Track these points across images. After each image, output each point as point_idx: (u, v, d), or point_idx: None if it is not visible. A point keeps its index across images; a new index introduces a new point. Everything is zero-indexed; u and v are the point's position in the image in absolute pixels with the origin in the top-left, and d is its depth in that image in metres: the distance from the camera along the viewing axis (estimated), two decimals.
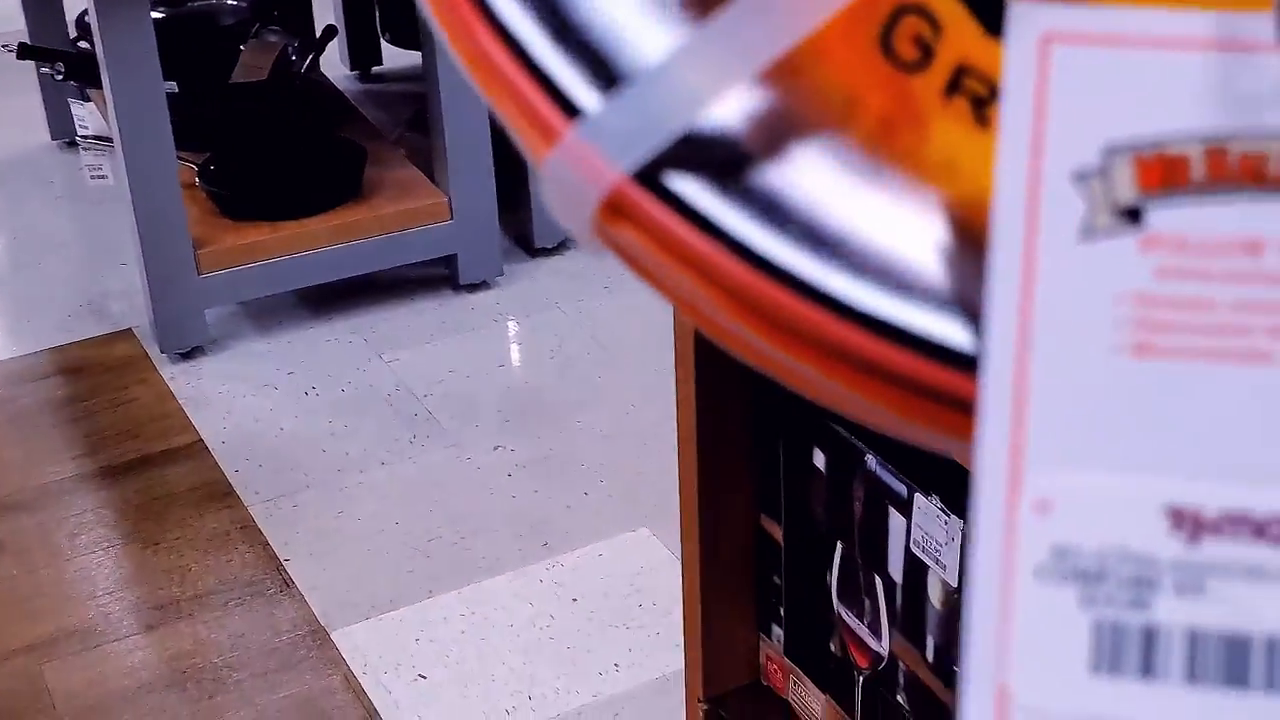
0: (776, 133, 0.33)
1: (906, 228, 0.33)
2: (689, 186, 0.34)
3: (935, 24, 0.33)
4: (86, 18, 2.26)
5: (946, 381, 0.32)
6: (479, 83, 0.36)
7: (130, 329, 2.44)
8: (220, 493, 2.08)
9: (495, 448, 2.13)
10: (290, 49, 2.54)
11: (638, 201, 0.34)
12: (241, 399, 2.27)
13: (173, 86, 2.35)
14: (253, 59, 2.54)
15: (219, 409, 2.25)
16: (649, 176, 0.34)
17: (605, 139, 0.34)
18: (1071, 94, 0.29)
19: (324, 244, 2.36)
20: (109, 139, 2.34)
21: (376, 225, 2.38)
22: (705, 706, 1.31)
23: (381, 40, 3.12)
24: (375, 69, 3.16)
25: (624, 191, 0.34)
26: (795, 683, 1.25)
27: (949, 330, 0.32)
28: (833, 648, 1.18)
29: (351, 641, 1.83)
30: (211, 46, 2.54)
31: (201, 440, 2.18)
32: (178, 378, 2.32)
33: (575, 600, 1.88)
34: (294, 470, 2.11)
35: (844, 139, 0.33)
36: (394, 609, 1.88)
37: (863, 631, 1.12)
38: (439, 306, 2.47)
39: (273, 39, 2.61)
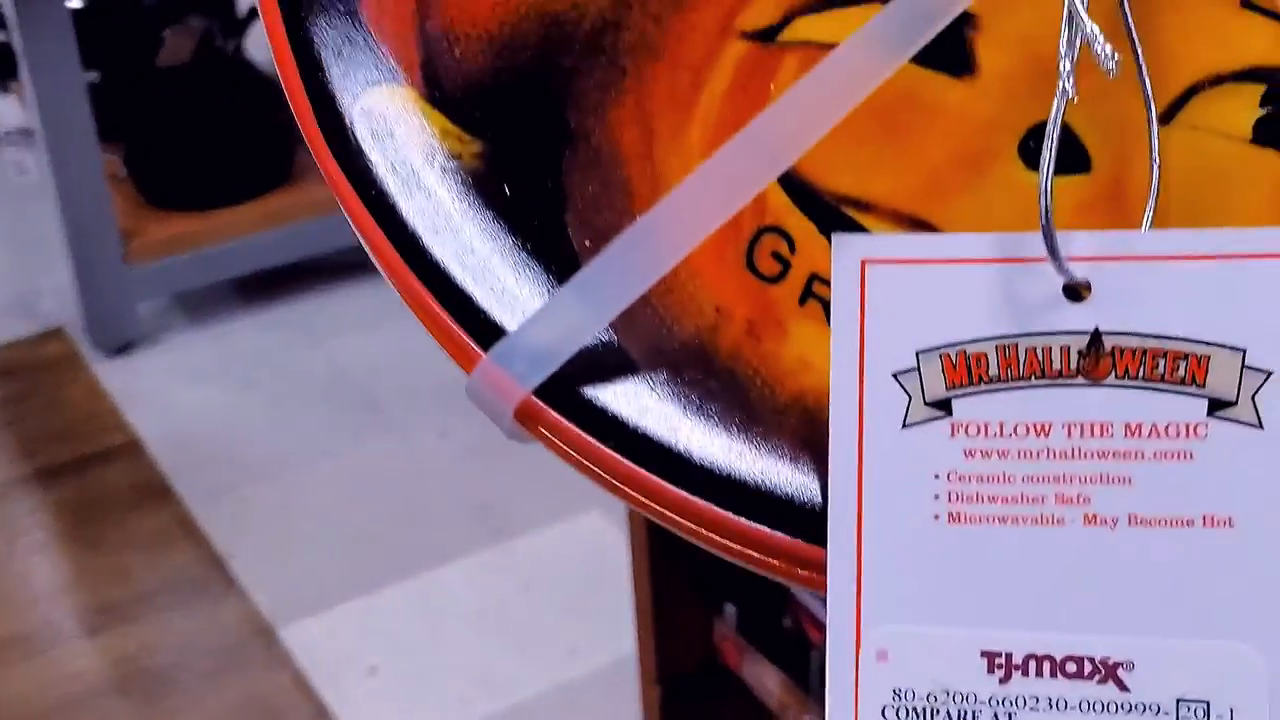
0: (655, 344, 0.39)
1: (752, 431, 0.39)
2: (581, 396, 0.40)
3: (790, 241, 0.38)
4: (2, 8, 2.21)
5: (798, 548, 0.38)
6: (400, 295, 0.42)
7: (60, 327, 2.39)
8: (160, 491, 2.04)
9: (440, 434, 2.09)
10: (214, 31, 2.49)
11: (541, 411, 0.40)
12: (177, 394, 2.23)
13: (94, 76, 2.30)
14: (176, 44, 2.49)
15: (155, 405, 2.21)
16: (549, 391, 0.40)
17: (513, 363, 0.40)
18: (887, 306, 0.35)
19: (256, 230, 2.32)
20: (30, 132, 2.30)
21: (309, 209, 2.34)
22: (660, 688, 1.30)
23: None
24: None
25: (530, 405, 0.40)
26: (750, 660, 1.24)
27: (801, 504, 0.38)
28: (786, 623, 1.17)
29: (300, 638, 1.80)
30: (133, 33, 2.48)
31: (138, 438, 2.13)
32: (111, 375, 2.27)
33: (527, 586, 1.85)
34: (234, 465, 2.07)
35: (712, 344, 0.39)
36: (342, 603, 1.85)
37: (816, 606, 1.10)
38: (378, 291, 2.43)
39: (195, 22, 2.55)
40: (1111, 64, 0.33)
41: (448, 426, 2.10)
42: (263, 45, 2.59)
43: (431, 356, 1.95)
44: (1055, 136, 0.33)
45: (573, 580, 1.86)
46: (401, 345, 2.28)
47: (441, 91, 0.40)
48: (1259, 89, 0.35)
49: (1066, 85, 0.33)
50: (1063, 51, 0.33)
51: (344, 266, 2.45)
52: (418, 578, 1.87)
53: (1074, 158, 0.36)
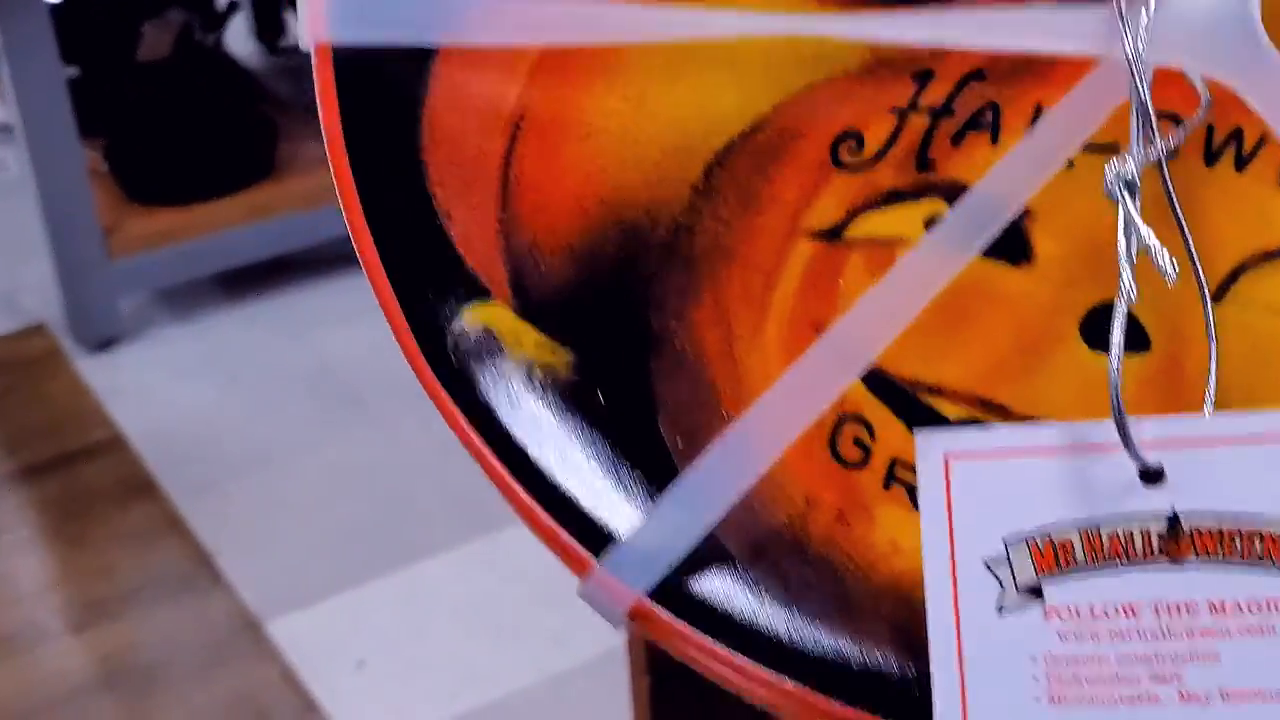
0: (752, 537, 0.41)
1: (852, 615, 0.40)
2: (689, 594, 0.42)
3: (870, 428, 0.40)
4: None
5: None
6: (508, 502, 0.46)
7: (42, 323, 2.38)
8: (144, 487, 2.04)
9: (424, 427, 2.09)
10: (193, 25, 2.48)
11: (652, 611, 0.42)
12: (161, 389, 2.22)
13: (73, 71, 2.29)
14: (155, 38, 2.48)
15: (138, 401, 2.20)
16: (658, 590, 0.42)
17: (623, 570, 0.42)
18: (972, 496, 0.36)
19: (238, 224, 2.31)
20: (10, 128, 2.29)
21: (291, 202, 2.33)
22: (649, 678, 1.29)
23: (285, 12, 3.06)
24: (282, 42, 3.10)
25: (641, 606, 0.42)
26: None
27: (904, 687, 0.39)
28: None
29: (287, 633, 1.80)
30: (112, 27, 2.47)
31: (121, 434, 2.13)
32: (94, 370, 2.26)
33: (513, 578, 1.85)
34: (219, 460, 2.06)
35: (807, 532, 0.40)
36: (329, 597, 1.84)
37: None
38: (361, 284, 2.40)
39: (175, 16, 2.54)
40: (1171, 272, 0.34)
41: (431, 419, 2.08)
42: (242, 38, 2.59)
43: None
44: (1120, 338, 0.35)
45: (559, 571, 1.85)
46: (385, 339, 2.26)
47: (530, 304, 0.42)
48: None
49: (1129, 290, 0.35)
50: (1122, 256, 0.35)
51: (327, 260, 2.44)
52: (404, 571, 1.87)
53: (1135, 338, 0.38)
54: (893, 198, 0.39)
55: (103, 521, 1.99)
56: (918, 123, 0.38)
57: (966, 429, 0.38)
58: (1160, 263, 0.34)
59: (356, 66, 0.41)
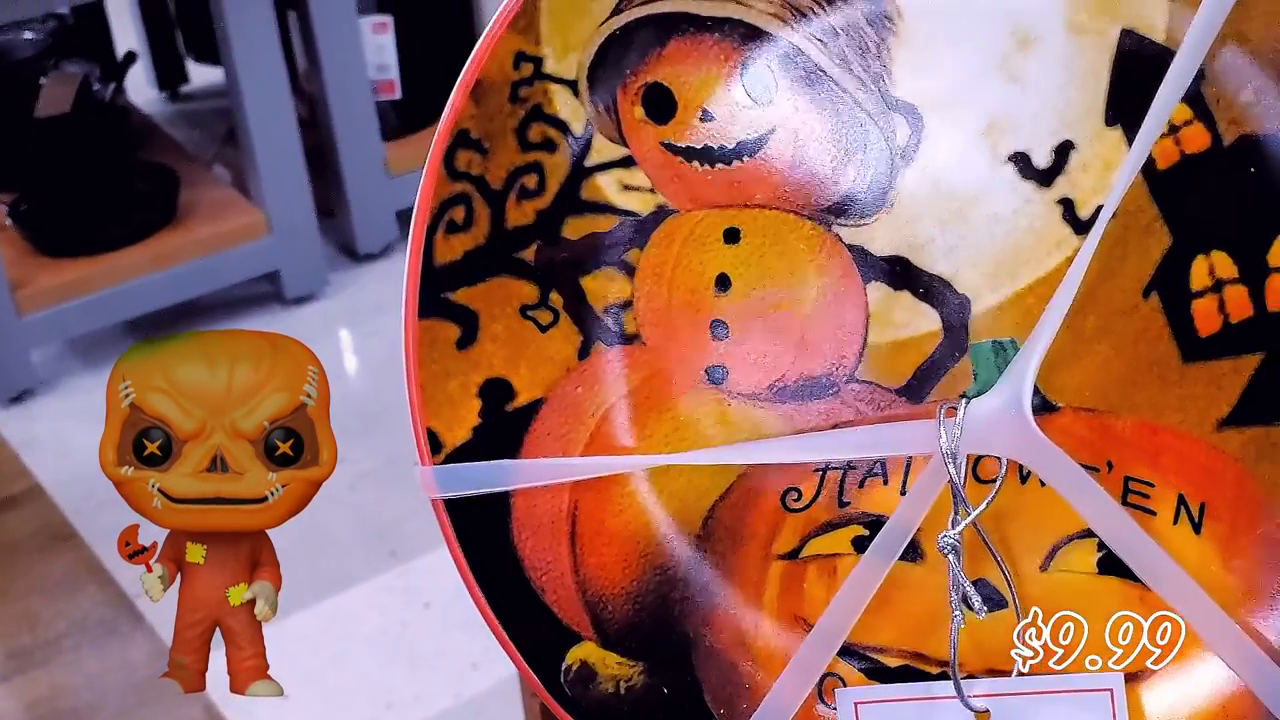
0: None
1: None
2: None
3: (841, 679, 0.56)
4: None
5: None
6: None
7: None
8: (64, 535, 2.06)
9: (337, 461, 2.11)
10: (92, 78, 2.51)
11: None
12: (76, 438, 2.24)
13: None
14: (54, 92, 2.50)
15: (54, 451, 2.22)
16: None
17: None
18: None
19: (144, 272, 2.34)
20: None
21: (195, 248, 2.36)
22: (540, 701, 1.33)
23: (186, 59, 3.09)
24: (183, 88, 3.13)
25: None
26: None
27: None
28: None
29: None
30: (9, 82, 2.49)
31: (39, 484, 2.15)
32: (9, 423, 2.29)
33: (427, 605, 1.88)
34: None
35: None
36: None
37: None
38: (267, 324, 2.46)
39: (73, 69, 2.57)
40: (980, 612, 0.49)
41: (342, 454, 2.12)
42: (143, 86, 2.60)
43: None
44: (956, 641, 0.49)
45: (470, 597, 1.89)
46: None
47: (608, 638, 0.55)
48: (1095, 540, 0.49)
49: (959, 620, 0.49)
50: (954, 599, 0.49)
51: (234, 302, 2.48)
52: (321, 604, 1.90)
53: (998, 601, 0.51)
54: (827, 527, 0.53)
55: (24, 571, 2.01)
56: (833, 476, 0.53)
57: (868, 688, 0.52)
58: (975, 605, 0.49)
59: (462, 508, 0.55)
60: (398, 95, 2.56)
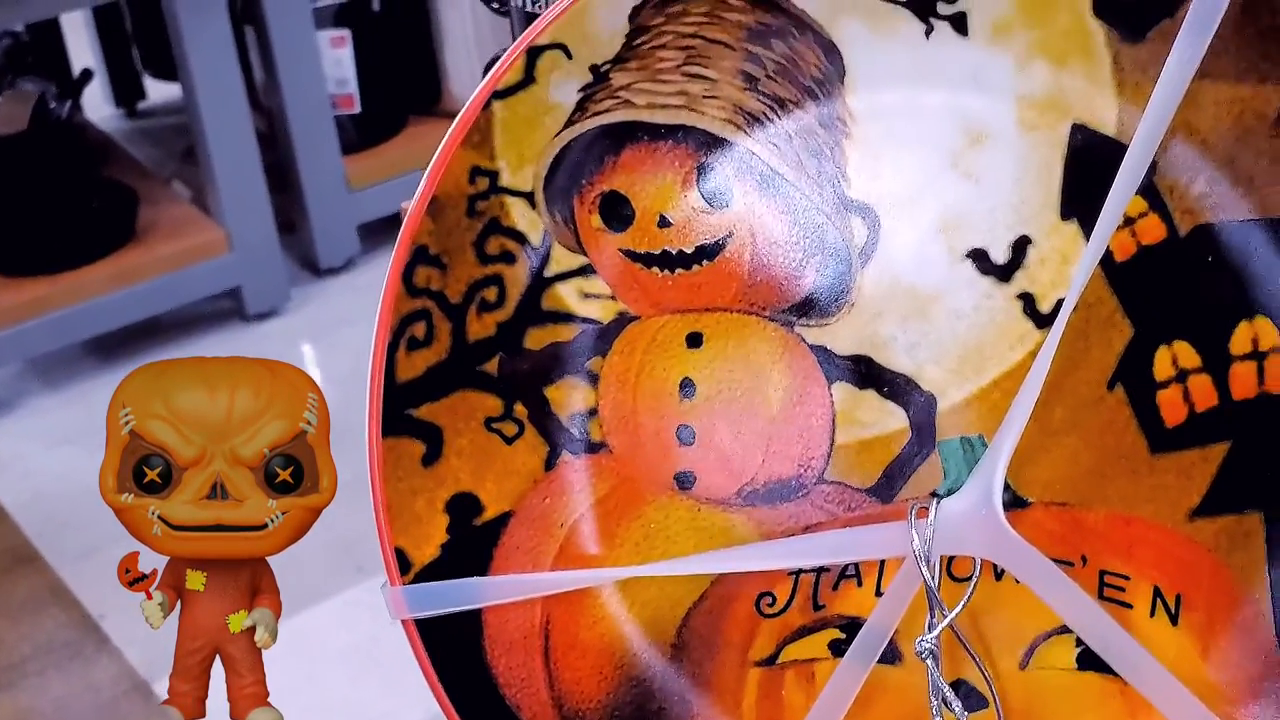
0: None
1: None
2: None
3: None
4: None
5: None
6: None
7: None
8: (26, 557, 2.05)
9: None
10: (49, 96, 2.50)
11: None
12: (37, 459, 2.23)
13: None
14: (10, 110, 2.49)
15: (15, 472, 2.21)
16: None
17: None
18: None
19: (104, 291, 2.33)
20: None
21: (155, 266, 2.35)
22: None
23: (144, 75, 3.07)
24: (141, 105, 3.12)
25: None
26: None
27: None
28: None
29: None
30: None
31: (1, 507, 2.14)
32: None
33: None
34: (99, 526, 2.06)
35: None
36: None
37: None
38: (230, 341, 2.44)
39: (29, 87, 2.56)
40: (964, 716, 0.49)
41: None
42: (97, 105, 2.58)
43: None
44: None
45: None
46: None
47: None
48: (1073, 635, 0.49)
49: None
50: (933, 704, 0.49)
51: (196, 320, 2.47)
52: (289, 621, 1.88)
53: (979, 701, 0.51)
54: (803, 631, 0.53)
55: None
56: (807, 579, 0.52)
57: None
58: (955, 709, 0.49)
59: (433, 627, 0.55)
60: (357, 109, 2.55)
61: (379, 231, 2.58)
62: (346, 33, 2.49)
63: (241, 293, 2.45)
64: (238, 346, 2.42)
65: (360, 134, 2.58)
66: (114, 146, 2.69)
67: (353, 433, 2.17)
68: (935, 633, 0.49)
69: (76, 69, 2.75)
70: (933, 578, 0.49)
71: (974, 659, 0.50)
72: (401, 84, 2.62)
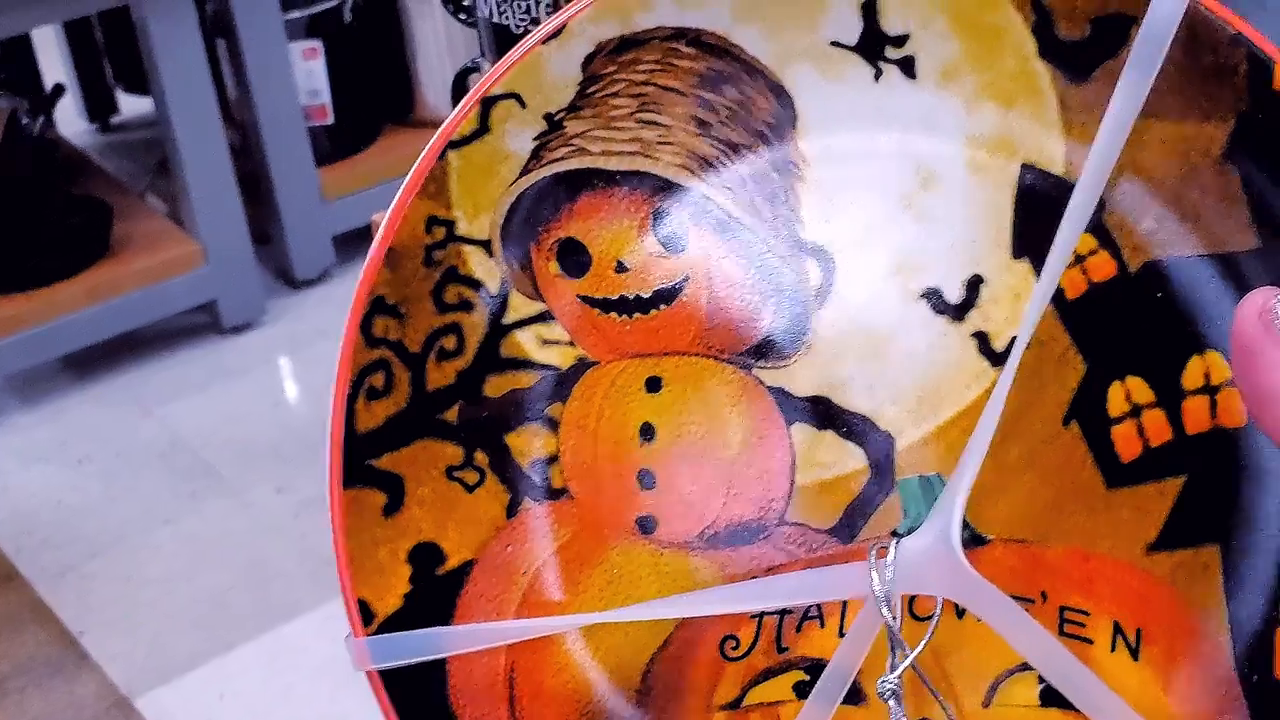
0: None
1: None
2: None
3: None
4: None
5: None
6: None
7: None
8: (4, 575, 2.04)
9: (278, 490, 2.12)
10: (20, 111, 2.50)
11: None
12: (15, 476, 2.23)
13: None
14: None
15: None
16: None
17: None
18: None
19: (79, 307, 2.33)
20: None
21: (130, 281, 2.35)
22: None
23: (116, 89, 3.07)
24: (114, 119, 3.12)
25: None
26: None
27: None
28: None
29: (157, 707, 1.82)
30: None
31: None
32: None
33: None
34: (77, 542, 2.08)
35: None
36: (196, 667, 1.87)
37: None
38: (206, 354, 2.45)
39: (1, 103, 2.56)
40: None
41: (284, 483, 2.13)
42: (70, 120, 2.58)
43: (263, 416, 1.98)
44: None
45: None
46: (232, 407, 2.30)
47: None
48: (1035, 672, 0.49)
49: None
50: None
51: (172, 334, 2.47)
52: (267, 634, 1.89)
53: None
54: (767, 674, 0.53)
55: None
56: (770, 621, 0.53)
57: None
58: None
59: (397, 677, 0.54)
60: (330, 120, 2.55)
61: (354, 242, 2.59)
62: (318, 44, 2.49)
63: (217, 306, 2.45)
64: (213, 361, 2.42)
65: (334, 145, 2.58)
66: (87, 161, 2.69)
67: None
68: (896, 673, 0.49)
69: (48, 84, 2.75)
70: (894, 618, 0.49)
71: (937, 698, 0.51)
72: (374, 94, 2.62)
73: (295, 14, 2.47)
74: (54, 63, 3.00)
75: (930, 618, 0.50)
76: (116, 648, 1.90)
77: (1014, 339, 0.50)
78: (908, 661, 0.49)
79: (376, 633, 0.53)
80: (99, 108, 3.08)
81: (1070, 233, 0.48)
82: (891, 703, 0.49)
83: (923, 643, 0.49)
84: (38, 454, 2.26)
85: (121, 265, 2.37)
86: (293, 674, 1.84)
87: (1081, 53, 0.49)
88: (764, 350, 0.53)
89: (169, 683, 1.85)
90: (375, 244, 0.53)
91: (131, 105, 3.08)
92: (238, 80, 2.46)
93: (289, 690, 1.82)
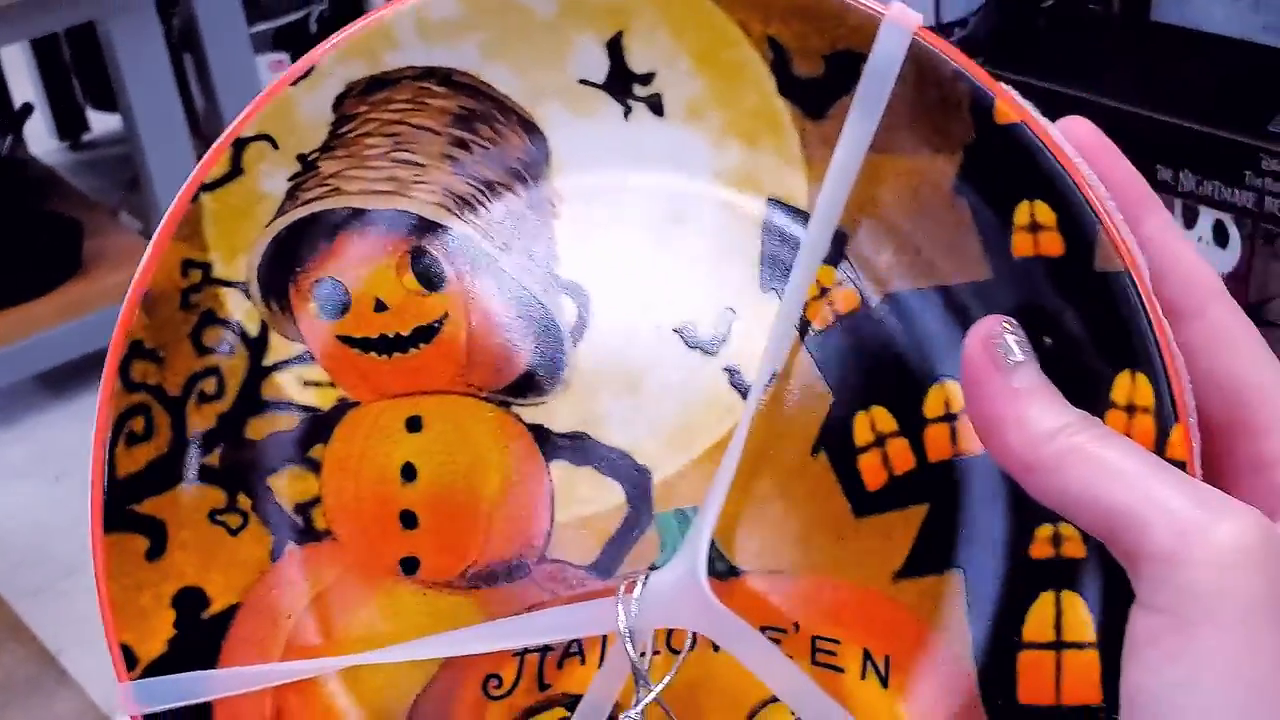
0: None
1: None
2: None
3: None
4: None
5: None
6: None
7: None
8: None
9: None
10: None
11: None
12: None
13: None
14: None
15: None
16: None
17: None
18: None
19: (53, 324, 2.32)
20: None
21: (103, 298, 2.35)
22: None
23: (86, 107, 3.07)
24: (85, 137, 3.11)
25: None
26: None
27: None
28: None
29: None
30: None
31: None
32: None
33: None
34: (54, 560, 2.08)
35: None
36: None
37: None
38: None
39: None
40: None
41: None
42: (40, 139, 2.58)
43: None
44: None
45: None
46: None
47: None
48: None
49: None
50: None
51: None
52: None
53: None
54: (530, 712, 0.53)
55: None
56: (532, 659, 0.53)
57: None
58: None
59: None
60: None
61: None
62: (285, 56, 2.49)
63: None
64: None
65: None
66: (58, 179, 2.69)
67: None
68: (639, 708, 0.50)
69: (17, 103, 2.74)
70: (643, 653, 0.49)
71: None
72: None
73: (261, 26, 2.47)
74: (22, 81, 3.00)
75: (688, 649, 0.51)
76: (96, 665, 1.90)
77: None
78: (651, 695, 0.49)
79: (140, 677, 0.53)
80: (69, 126, 3.08)
81: (807, 268, 0.49)
82: None
83: (667, 677, 0.49)
84: (14, 472, 2.26)
85: (94, 282, 2.36)
86: None
87: (818, 90, 0.49)
88: (523, 387, 0.53)
89: None
90: (130, 289, 0.53)
91: (102, 122, 3.08)
92: (205, 94, 2.46)
93: None
